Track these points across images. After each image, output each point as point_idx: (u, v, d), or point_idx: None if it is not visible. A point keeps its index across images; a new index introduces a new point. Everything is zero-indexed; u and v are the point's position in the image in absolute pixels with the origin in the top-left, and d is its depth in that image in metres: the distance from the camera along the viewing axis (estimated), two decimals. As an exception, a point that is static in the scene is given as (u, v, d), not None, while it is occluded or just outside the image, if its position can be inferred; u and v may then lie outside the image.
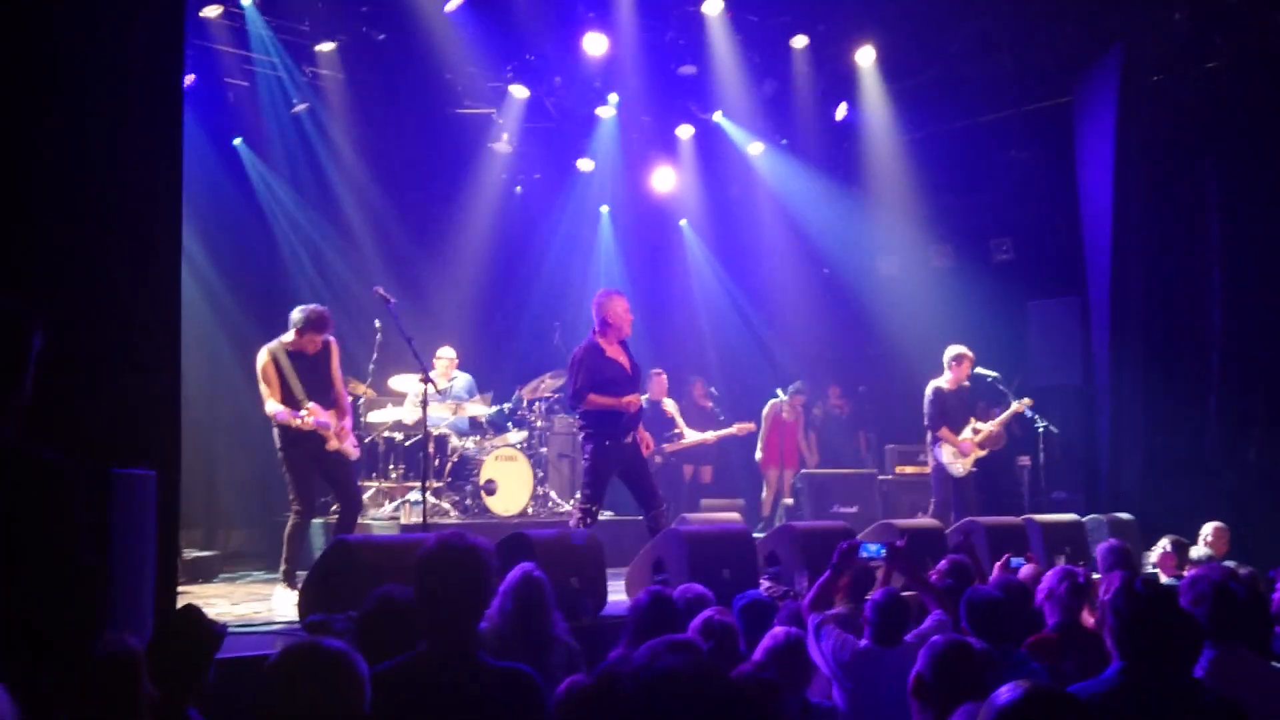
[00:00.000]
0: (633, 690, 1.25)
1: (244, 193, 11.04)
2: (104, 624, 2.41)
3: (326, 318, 7.32)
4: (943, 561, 5.91)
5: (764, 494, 12.57)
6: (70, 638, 2.08)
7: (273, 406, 7.19)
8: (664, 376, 11.68)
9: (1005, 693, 2.10)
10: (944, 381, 9.76)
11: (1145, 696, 3.16)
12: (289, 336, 7.29)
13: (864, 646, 4.49)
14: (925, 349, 11.24)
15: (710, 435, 11.51)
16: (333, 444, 7.34)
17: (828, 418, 13.39)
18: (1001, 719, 2.05)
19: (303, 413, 7.18)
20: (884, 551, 5.15)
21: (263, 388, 7.25)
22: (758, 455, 12.50)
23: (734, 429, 11.51)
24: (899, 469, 12.00)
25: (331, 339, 7.47)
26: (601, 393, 7.36)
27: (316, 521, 8.88)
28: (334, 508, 7.93)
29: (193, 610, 3.70)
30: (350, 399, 7.97)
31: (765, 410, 12.68)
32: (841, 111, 12.88)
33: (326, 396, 7.41)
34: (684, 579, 6.07)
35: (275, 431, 7.29)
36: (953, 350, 9.79)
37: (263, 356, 7.27)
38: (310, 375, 7.33)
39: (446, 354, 10.38)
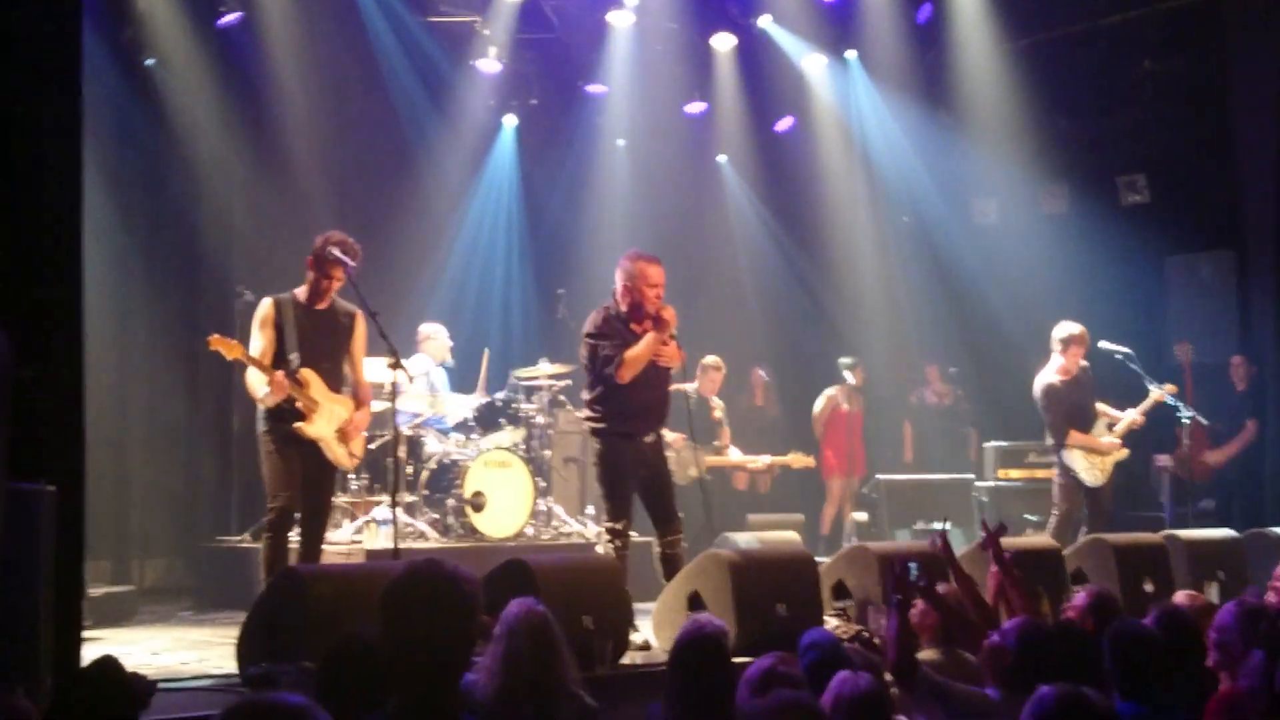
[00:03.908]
0: None
1: (160, 130, 10.95)
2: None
3: (347, 243, 7.33)
4: (1080, 594, 5.83)
5: (825, 508, 12.57)
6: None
7: (250, 377, 7.24)
8: (722, 372, 11.61)
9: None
10: (1054, 374, 9.68)
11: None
12: (302, 288, 7.40)
13: (996, 699, 4.45)
14: (1034, 318, 11.21)
15: (760, 463, 11.53)
16: (328, 450, 7.34)
17: (923, 408, 13.38)
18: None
19: (266, 391, 7.11)
20: (917, 571, 5.14)
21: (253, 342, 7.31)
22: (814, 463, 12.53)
23: (789, 459, 11.53)
24: (1002, 473, 11.97)
25: (358, 312, 7.53)
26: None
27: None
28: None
29: (109, 662, 3.75)
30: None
31: (819, 405, 12.62)
32: (925, 14, 12.83)
33: (334, 374, 7.45)
34: (727, 616, 6.08)
35: (258, 411, 7.30)
36: (1061, 330, 9.71)
37: (264, 304, 7.39)
38: (315, 339, 7.35)
39: (433, 330, 10.52)
